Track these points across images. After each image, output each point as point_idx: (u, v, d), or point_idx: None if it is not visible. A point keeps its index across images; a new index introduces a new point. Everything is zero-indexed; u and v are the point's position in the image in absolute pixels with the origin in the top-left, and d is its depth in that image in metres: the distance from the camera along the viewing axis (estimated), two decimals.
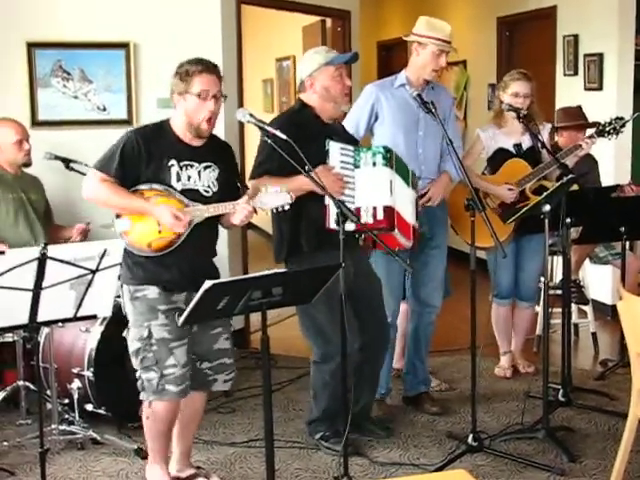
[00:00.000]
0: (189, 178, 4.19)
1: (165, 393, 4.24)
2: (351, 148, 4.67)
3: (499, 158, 5.81)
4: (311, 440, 5.06)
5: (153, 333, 4.20)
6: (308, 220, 4.36)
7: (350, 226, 4.32)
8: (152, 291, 4.18)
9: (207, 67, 4.17)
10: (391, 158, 4.65)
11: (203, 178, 4.23)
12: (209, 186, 4.25)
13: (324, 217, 4.49)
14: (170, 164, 4.16)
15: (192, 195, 4.19)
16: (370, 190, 4.59)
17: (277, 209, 4.17)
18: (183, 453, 4.62)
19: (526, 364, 6.15)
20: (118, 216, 4.15)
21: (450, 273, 5.73)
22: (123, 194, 4.11)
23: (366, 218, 4.57)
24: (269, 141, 4.22)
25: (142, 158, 4.14)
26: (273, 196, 4.12)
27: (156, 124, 4.36)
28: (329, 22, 8.91)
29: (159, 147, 4.18)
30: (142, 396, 4.33)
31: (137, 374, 4.30)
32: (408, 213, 4.77)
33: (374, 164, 4.62)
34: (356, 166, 4.63)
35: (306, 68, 4.76)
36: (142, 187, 4.14)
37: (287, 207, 4.16)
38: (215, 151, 4.34)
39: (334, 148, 4.59)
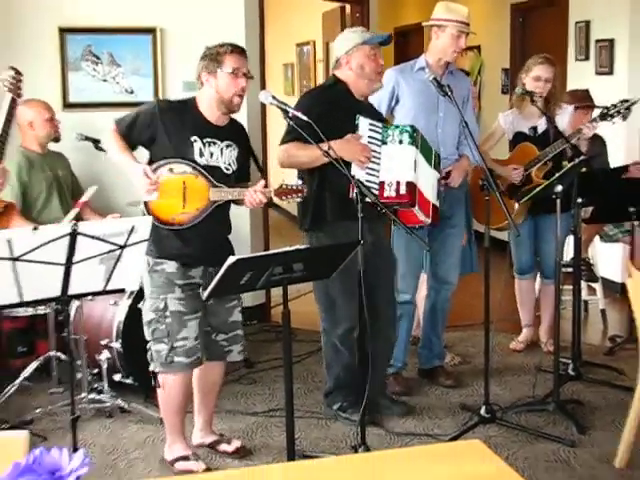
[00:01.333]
0: (212, 155, 4.23)
1: (174, 365, 4.28)
2: (379, 125, 4.69)
3: (517, 141, 5.80)
4: (329, 411, 5.06)
5: (169, 306, 4.24)
6: (332, 190, 4.35)
7: (372, 198, 4.40)
8: (170, 265, 4.23)
9: (236, 47, 4.27)
10: (417, 138, 4.66)
11: (225, 156, 4.27)
12: (230, 164, 4.29)
13: (348, 187, 4.46)
14: (193, 139, 4.20)
15: (214, 172, 4.21)
16: (395, 166, 4.61)
17: (291, 198, 4.22)
18: (206, 421, 4.67)
19: (550, 342, 6.02)
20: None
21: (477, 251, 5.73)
22: (120, 149, 4.19)
23: (389, 192, 4.59)
24: (291, 123, 4.25)
25: (154, 127, 4.20)
26: (289, 190, 4.18)
27: (182, 100, 4.46)
28: (348, 8, 8.89)
29: (182, 123, 4.22)
30: (151, 367, 4.38)
31: (147, 345, 4.35)
32: (429, 191, 4.76)
33: (400, 142, 4.64)
34: (383, 142, 4.65)
35: (343, 46, 4.78)
36: (173, 162, 4.16)
37: (299, 200, 4.22)
38: (235, 132, 4.38)
39: (363, 123, 4.62)
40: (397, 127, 4.73)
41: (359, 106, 4.75)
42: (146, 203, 4.14)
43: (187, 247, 4.20)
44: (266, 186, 4.17)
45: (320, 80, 10.58)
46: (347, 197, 4.33)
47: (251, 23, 6.71)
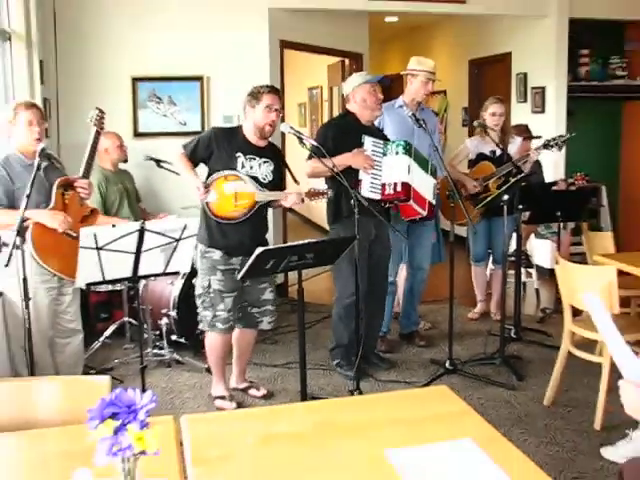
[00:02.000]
0: (251, 167, 4.24)
1: (215, 328, 4.35)
2: (381, 142, 4.73)
3: (478, 160, 5.79)
4: (332, 364, 5.05)
5: (211, 285, 4.26)
6: (346, 190, 4.32)
7: (376, 195, 4.55)
8: (216, 254, 4.25)
9: (272, 89, 4.31)
10: (410, 149, 4.68)
11: (262, 169, 4.27)
12: (266, 175, 4.28)
13: (357, 187, 4.56)
14: (237, 155, 4.22)
15: (254, 181, 4.23)
16: (393, 171, 4.65)
17: (319, 199, 4.27)
18: (240, 372, 4.70)
19: (498, 313, 5.99)
20: (207, 189, 4.17)
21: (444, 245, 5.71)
22: (187, 167, 4.22)
23: (389, 190, 4.66)
24: (313, 145, 4.36)
25: (212, 147, 4.23)
26: (317, 192, 4.23)
27: (231, 127, 4.53)
28: (347, 61, 8.84)
29: (230, 143, 4.25)
30: (200, 326, 4.46)
31: (198, 310, 4.39)
32: (425, 190, 4.78)
33: (397, 153, 4.67)
34: (384, 154, 4.68)
35: (350, 85, 4.81)
36: (227, 173, 4.18)
37: (325, 200, 4.25)
38: (271, 152, 4.38)
39: (368, 141, 4.68)
40: (394, 142, 4.75)
41: (365, 129, 4.76)
42: (207, 203, 4.17)
43: (231, 240, 4.20)
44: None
45: (325, 115, 10.56)
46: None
47: (274, 72, 6.69)
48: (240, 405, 4.48)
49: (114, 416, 1.50)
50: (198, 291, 4.36)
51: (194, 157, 4.25)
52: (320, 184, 4.64)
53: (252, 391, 4.66)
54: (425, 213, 4.82)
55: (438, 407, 2.39)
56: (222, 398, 4.49)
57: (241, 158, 4.22)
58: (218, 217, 4.19)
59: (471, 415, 2.31)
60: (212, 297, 4.29)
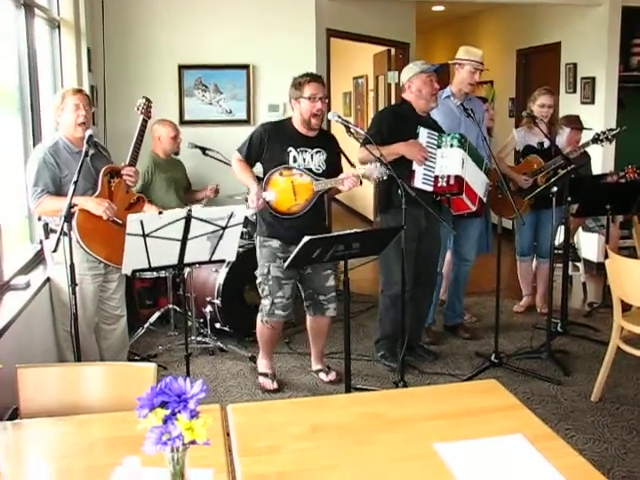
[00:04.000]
0: (304, 160, 4.23)
1: (274, 315, 4.37)
2: (436, 133, 4.62)
3: (526, 152, 5.67)
4: (377, 356, 5.01)
5: (271, 272, 4.28)
6: (397, 181, 4.25)
7: (429, 187, 4.48)
8: (275, 242, 4.27)
9: (313, 77, 4.24)
10: (464, 143, 4.58)
11: (315, 160, 4.25)
12: (319, 165, 4.26)
13: (410, 178, 4.48)
14: (289, 150, 4.21)
15: (308, 172, 4.22)
16: (447, 163, 4.57)
17: (377, 179, 4.14)
18: (317, 355, 4.77)
19: (544, 306, 5.89)
20: (265, 188, 4.18)
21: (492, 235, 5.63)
22: (245, 172, 4.23)
23: (442, 183, 4.58)
24: (363, 134, 4.27)
25: (264, 144, 4.22)
26: (374, 170, 4.08)
27: (280, 121, 4.46)
28: (393, 51, 8.78)
29: (280, 138, 4.23)
30: (258, 317, 4.46)
31: (261, 300, 4.42)
32: (477, 186, 4.67)
33: (451, 145, 4.57)
34: (438, 146, 4.59)
35: (406, 74, 4.72)
36: (281, 168, 4.18)
37: (385, 177, 4.11)
38: (323, 140, 4.35)
39: (423, 132, 4.58)
40: (449, 134, 4.64)
41: (420, 119, 4.67)
42: (268, 202, 4.17)
43: (289, 229, 4.18)
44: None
45: (371, 105, 10.49)
46: (410, 186, 4.29)
47: (320, 60, 6.64)
48: (280, 386, 4.55)
49: (164, 405, 1.48)
50: (258, 280, 4.39)
51: (250, 158, 4.26)
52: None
53: (322, 375, 4.71)
54: (475, 208, 4.72)
55: (487, 401, 2.35)
56: (265, 375, 4.58)
57: (293, 152, 4.20)
58: (280, 213, 4.20)
59: (521, 410, 2.26)
60: (270, 285, 4.31)
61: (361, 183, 4.19)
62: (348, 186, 4.15)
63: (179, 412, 1.48)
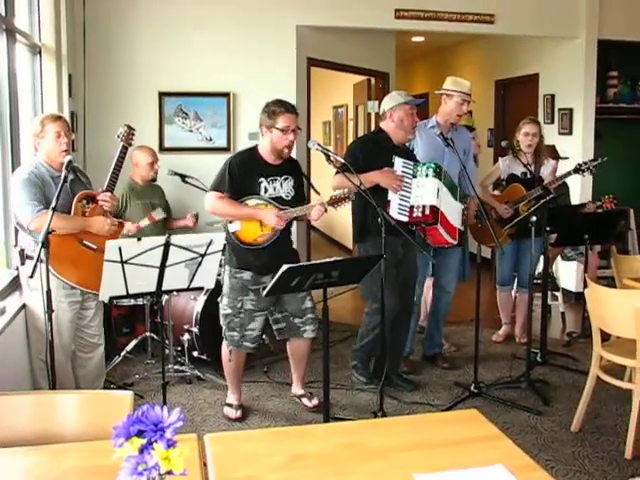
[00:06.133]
0: (274, 189, 4.22)
1: (243, 347, 4.36)
2: (411, 163, 4.65)
3: (510, 181, 5.71)
4: (350, 362, 5.05)
5: (244, 305, 4.23)
6: (373, 208, 4.24)
7: (404, 217, 4.49)
8: (247, 274, 4.23)
9: (288, 108, 4.19)
10: (440, 173, 4.61)
11: (284, 186, 4.26)
12: (289, 192, 4.27)
13: (386, 207, 4.48)
14: (260, 181, 4.20)
15: (278, 200, 4.21)
16: (422, 193, 4.58)
17: (342, 205, 4.15)
18: (297, 379, 4.74)
19: (523, 336, 5.91)
20: (230, 221, 4.17)
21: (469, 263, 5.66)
22: (236, 205, 4.16)
23: (417, 213, 4.58)
24: (340, 162, 4.28)
25: (240, 176, 4.17)
26: (339, 198, 4.12)
27: (248, 150, 4.38)
28: (373, 80, 8.84)
29: (251, 168, 4.21)
30: (224, 344, 4.43)
31: (223, 330, 4.37)
32: (454, 218, 4.70)
33: (427, 175, 4.59)
34: (414, 176, 4.61)
35: (389, 103, 4.74)
36: (248, 201, 4.16)
37: (348, 203, 4.14)
38: (290, 166, 4.34)
39: (398, 162, 4.61)
40: (424, 164, 4.66)
41: (396, 149, 4.70)
42: (233, 232, 4.15)
43: (260, 260, 4.16)
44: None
45: (350, 134, 10.54)
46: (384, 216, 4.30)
47: (300, 90, 6.69)
48: (244, 415, 4.52)
49: (140, 434, 1.45)
50: (226, 311, 4.32)
51: (233, 192, 4.16)
52: None
53: (304, 400, 4.69)
54: (455, 242, 4.75)
55: (468, 431, 2.33)
56: (229, 406, 4.55)
57: (263, 183, 4.19)
58: (246, 244, 4.18)
59: (502, 440, 2.24)
60: (242, 317, 4.28)
61: (326, 211, 4.17)
62: (316, 215, 4.13)
63: (155, 441, 1.45)
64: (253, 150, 4.32)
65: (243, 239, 4.17)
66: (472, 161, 5.40)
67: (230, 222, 4.19)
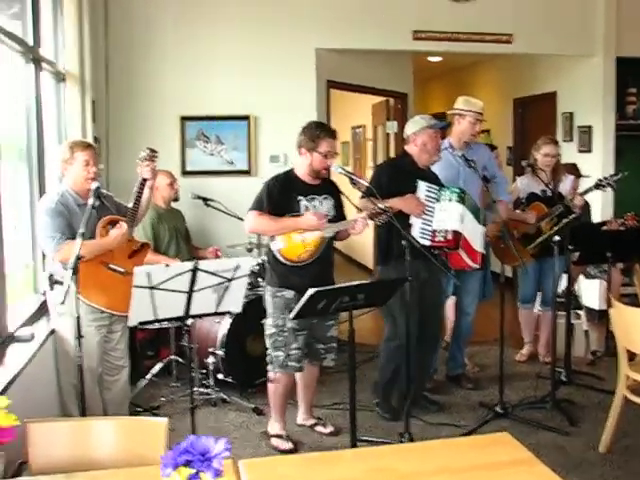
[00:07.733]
0: (314, 207, 4.25)
1: (289, 367, 4.33)
2: (435, 187, 4.65)
3: (530, 200, 5.70)
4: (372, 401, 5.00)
5: (287, 323, 4.23)
6: (397, 233, 4.27)
7: (426, 241, 4.48)
8: (289, 293, 4.23)
9: (330, 133, 4.26)
10: (464, 198, 4.61)
11: (324, 205, 4.29)
12: (329, 211, 4.30)
13: (408, 231, 4.48)
14: (299, 199, 4.23)
15: None
16: (445, 217, 4.58)
17: (381, 221, 4.15)
18: (306, 408, 4.73)
19: (547, 355, 5.88)
20: (272, 238, 4.21)
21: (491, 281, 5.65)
22: (276, 219, 4.18)
23: (439, 237, 4.58)
24: (365, 186, 4.31)
25: (280, 195, 4.20)
26: (377, 212, 4.12)
27: (285, 174, 4.40)
28: (392, 101, 8.89)
29: (290, 188, 4.24)
30: (269, 368, 4.40)
31: (267, 351, 4.36)
32: (477, 242, 4.70)
33: (450, 200, 4.59)
34: (437, 200, 4.61)
35: (412, 128, 4.75)
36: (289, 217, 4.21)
37: (387, 218, 4.11)
38: (328, 187, 4.39)
39: (422, 186, 4.61)
40: (449, 188, 4.67)
41: (420, 172, 4.71)
42: (278, 250, 4.18)
43: (301, 279, 4.13)
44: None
45: (369, 155, 10.60)
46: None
47: (320, 111, 6.75)
48: (296, 446, 4.46)
49: (188, 464, 1.49)
50: (270, 331, 4.33)
51: (273, 210, 4.18)
52: None
53: (319, 428, 4.67)
54: (477, 266, 4.77)
55: (500, 455, 2.34)
56: (279, 437, 4.48)
57: (303, 201, 4.22)
58: (290, 261, 4.20)
59: (536, 465, 2.25)
60: (286, 336, 4.27)
61: (368, 225, 4.21)
62: (359, 229, 4.16)
63: (202, 471, 1.48)
64: (290, 173, 4.37)
65: (288, 256, 4.19)
66: (499, 170, 5.41)
67: (272, 240, 4.22)
